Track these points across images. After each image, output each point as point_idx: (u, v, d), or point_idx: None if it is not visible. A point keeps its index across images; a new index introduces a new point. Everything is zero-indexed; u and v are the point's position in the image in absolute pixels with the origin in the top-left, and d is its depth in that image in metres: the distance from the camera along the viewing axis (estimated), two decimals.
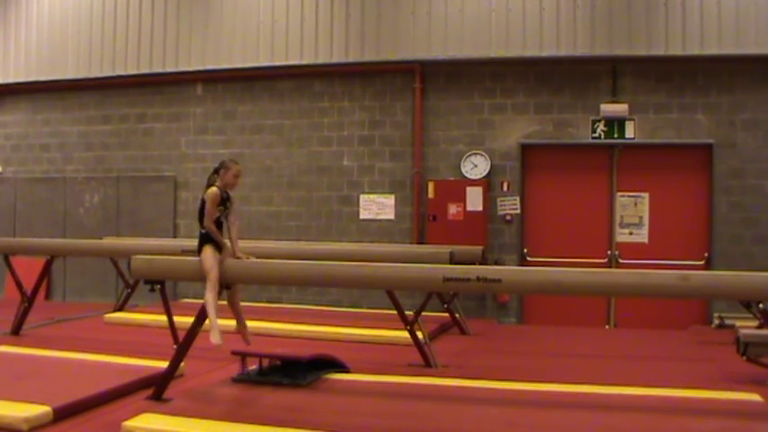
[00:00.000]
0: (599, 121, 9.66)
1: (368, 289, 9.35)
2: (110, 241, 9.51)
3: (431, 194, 9.97)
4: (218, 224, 5.40)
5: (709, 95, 9.43)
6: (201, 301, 5.44)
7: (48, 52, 11.55)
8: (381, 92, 10.41)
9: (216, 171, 5.50)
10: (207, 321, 5.28)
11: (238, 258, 5.40)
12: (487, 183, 9.87)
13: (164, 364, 5.50)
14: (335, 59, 10.32)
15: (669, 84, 9.53)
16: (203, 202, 5.38)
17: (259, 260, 5.49)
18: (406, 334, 6.83)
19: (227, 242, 5.40)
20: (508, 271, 5.74)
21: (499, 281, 4.80)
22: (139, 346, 7.17)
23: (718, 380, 6.16)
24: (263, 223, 10.74)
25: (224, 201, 5.43)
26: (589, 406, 5.07)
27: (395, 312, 6.83)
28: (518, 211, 9.88)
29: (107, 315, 9.23)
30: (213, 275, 5.23)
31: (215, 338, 5.17)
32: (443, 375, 6.19)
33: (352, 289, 9.89)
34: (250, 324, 8.37)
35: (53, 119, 11.90)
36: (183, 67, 10.93)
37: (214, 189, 5.39)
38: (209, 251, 5.29)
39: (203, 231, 5.36)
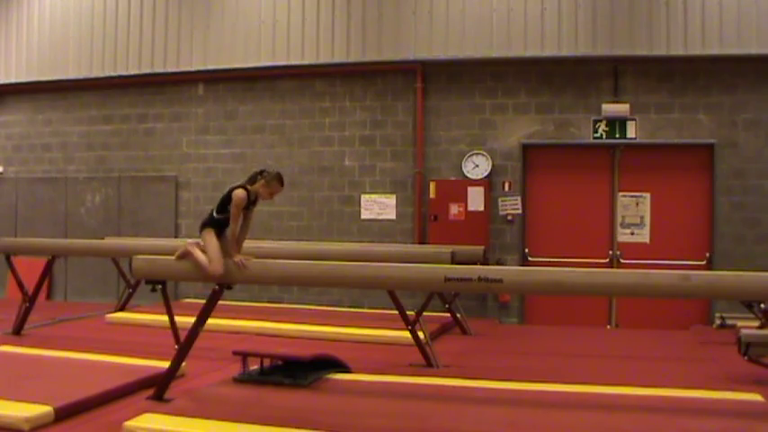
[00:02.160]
0: (600, 121, 9.66)
1: (369, 289, 9.35)
2: (111, 241, 9.51)
3: (432, 194, 9.97)
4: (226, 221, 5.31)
5: (710, 95, 9.42)
6: (203, 301, 5.44)
7: (49, 52, 11.55)
8: (383, 92, 10.41)
9: (261, 173, 5.35)
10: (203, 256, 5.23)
11: (233, 257, 5.24)
12: (489, 183, 9.87)
13: (165, 364, 5.50)
14: (337, 59, 10.32)
15: (670, 84, 9.53)
16: (229, 197, 5.25)
17: (259, 260, 5.48)
18: (407, 334, 6.82)
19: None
20: (509, 271, 5.73)
21: (500, 281, 4.80)
22: (141, 346, 7.17)
23: (720, 380, 6.15)
24: (265, 223, 10.72)
25: (248, 205, 5.33)
26: (590, 406, 5.07)
27: (396, 312, 6.83)
28: (519, 212, 9.87)
29: (108, 315, 9.23)
30: (214, 268, 5.14)
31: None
32: (445, 375, 6.19)
33: (353, 289, 9.89)
34: (252, 324, 8.46)
35: (54, 119, 11.91)
36: (185, 67, 10.93)
37: (243, 192, 5.25)
38: (214, 238, 5.22)
39: (216, 216, 5.28)
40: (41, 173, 11.94)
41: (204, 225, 5.34)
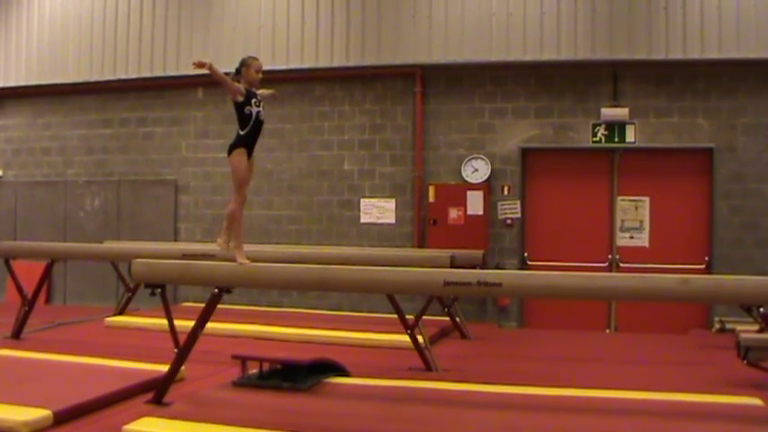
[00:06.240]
0: (599, 125, 9.67)
1: (368, 293, 9.34)
2: (110, 245, 9.51)
3: (431, 198, 9.97)
4: (259, 123, 5.35)
5: (709, 100, 9.43)
6: (202, 304, 5.44)
7: (48, 56, 11.56)
8: (382, 96, 10.41)
9: (237, 71, 5.41)
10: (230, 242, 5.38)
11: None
12: (488, 187, 9.87)
13: (164, 368, 5.50)
14: (336, 63, 10.33)
15: (669, 88, 9.54)
16: (236, 106, 5.32)
17: (257, 264, 5.49)
18: (406, 338, 6.83)
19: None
20: (509, 275, 5.74)
21: (500, 285, 4.80)
22: (140, 350, 7.17)
23: (719, 384, 6.15)
24: (264, 227, 10.74)
25: (253, 95, 5.33)
26: (590, 410, 5.07)
27: (395, 316, 6.83)
28: (518, 215, 9.88)
29: (108, 319, 9.23)
30: (241, 195, 5.35)
31: (242, 258, 5.32)
32: (444, 379, 6.19)
33: (352, 293, 9.88)
34: (251, 328, 8.46)
35: (54, 123, 11.91)
36: (184, 70, 10.86)
37: (237, 84, 5.31)
38: (243, 157, 5.30)
39: (241, 133, 5.31)
40: (41, 176, 11.94)
41: (233, 147, 5.37)
